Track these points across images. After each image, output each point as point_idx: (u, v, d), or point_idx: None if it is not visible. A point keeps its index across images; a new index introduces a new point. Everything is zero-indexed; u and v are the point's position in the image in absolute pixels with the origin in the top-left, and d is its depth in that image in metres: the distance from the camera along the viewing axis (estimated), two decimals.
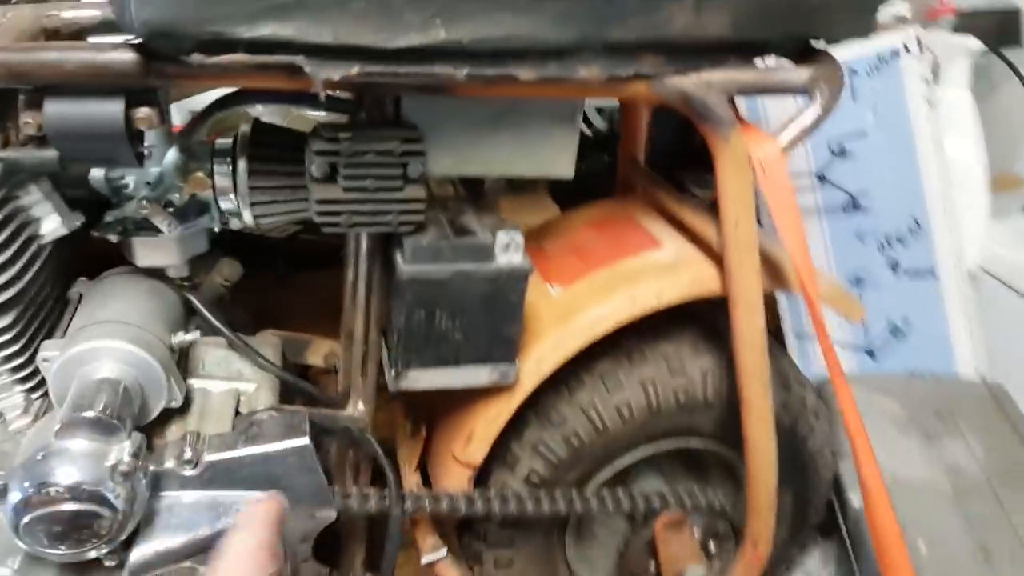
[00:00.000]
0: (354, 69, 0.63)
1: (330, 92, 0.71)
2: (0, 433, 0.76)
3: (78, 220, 0.81)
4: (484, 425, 0.94)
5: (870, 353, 1.37)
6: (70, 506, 0.67)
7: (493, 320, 0.84)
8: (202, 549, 0.78)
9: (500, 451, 1.00)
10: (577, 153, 0.85)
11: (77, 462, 0.68)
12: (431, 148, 0.79)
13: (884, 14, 1.19)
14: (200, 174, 0.79)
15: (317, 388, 0.96)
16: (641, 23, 0.71)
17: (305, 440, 0.82)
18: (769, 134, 0.82)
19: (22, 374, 0.77)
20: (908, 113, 1.16)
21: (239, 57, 0.61)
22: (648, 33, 0.72)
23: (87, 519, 0.68)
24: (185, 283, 0.90)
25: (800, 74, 0.77)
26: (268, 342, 0.99)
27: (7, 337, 0.74)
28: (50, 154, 0.68)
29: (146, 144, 0.74)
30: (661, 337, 1.01)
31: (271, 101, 0.78)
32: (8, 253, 0.73)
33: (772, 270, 0.90)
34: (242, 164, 0.79)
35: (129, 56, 0.62)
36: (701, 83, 0.77)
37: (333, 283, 0.91)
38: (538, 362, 0.92)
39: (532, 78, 0.70)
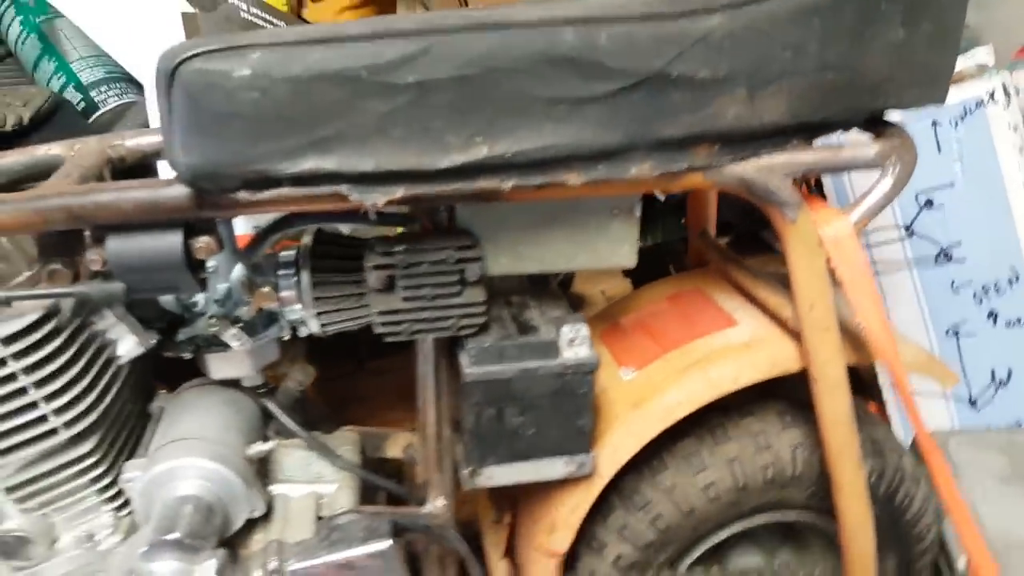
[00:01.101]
0: (399, 192, 0.64)
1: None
2: (90, 555, 0.79)
3: (153, 339, 0.84)
4: (566, 514, 0.92)
5: (972, 403, 1.28)
6: None
7: (563, 413, 0.83)
8: None
9: (586, 536, 0.97)
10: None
11: None
12: (488, 249, 0.79)
13: (966, 63, 1.13)
14: (266, 288, 0.82)
15: (397, 483, 0.96)
16: (691, 119, 0.69)
17: (388, 543, 0.82)
18: (839, 211, 0.78)
19: (109, 494, 0.80)
20: (998, 163, 1.09)
21: (284, 191, 0.62)
22: (699, 127, 0.70)
23: None
24: (260, 390, 0.93)
25: (869, 150, 0.73)
26: (347, 439, 1.01)
27: (92, 460, 0.78)
28: (117, 287, 0.71)
29: (209, 265, 0.77)
30: (745, 412, 0.97)
31: (326, 221, 0.79)
32: (88, 379, 0.76)
33: (854, 343, 0.85)
34: (305, 276, 0.81)
35: (182, 191, 0.64)
36: (761, 168, 0.74)
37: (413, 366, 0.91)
38: (614, 450, 0.89)
39: (581, 182, 0.69)
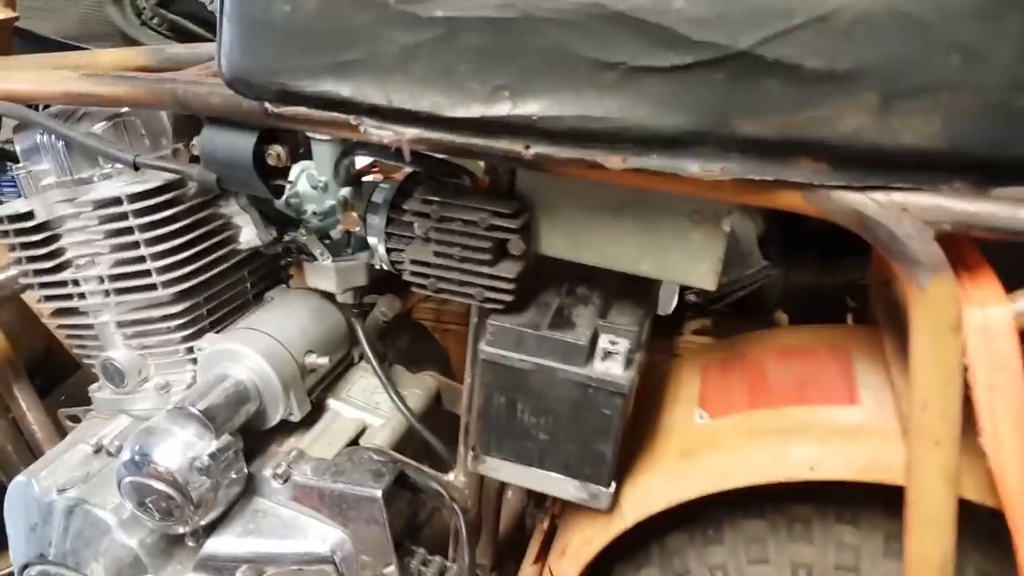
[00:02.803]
0: (410, 134, 0.59)
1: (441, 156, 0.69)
2: (163, 401, 0.90)
3: (271, 235, 0.91)
4: (578, 544, 0.82)
5: None
6: (152, 481, 0.77)
7: (583, 432, 0.72)
8: (268, 561, 0.83)
9: None
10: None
11: (167, 445, 0.77)
12: (543, 226, 0.71)
13: None
14: (354, 213, 0.83)
15: (444, 445, 0.94)
16: (787, 119, 0.54)
17: (376, 492, 0.81)
18: (996, 287, 0.56)
19: (193, 356, 0.90)
20: None
21: (303, 110, 0.62)
22: (799, 132, 0.54)
23: (165, 497, 0.77)
24: (354, 310, 0.96)
25: None
26: (423, 384, 1.01)
27: (183, 321, 0.88)
28: (210, 175, 0.78)
29: (291, 179, 0.80)
30: (846, 516, 0.76)
31: (375, 155, 0.77)
32: (194, 250, 0.85)
33: (976, 474, 0.61)
34: (384, 210, 0.81)
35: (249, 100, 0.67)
36: (889, 206, 0.56)
37: None
38: (645, 495, 0.76)
39: (624, 168, 0.58)
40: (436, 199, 0.68)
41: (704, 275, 0.68)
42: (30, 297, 1.11)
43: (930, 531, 0.60)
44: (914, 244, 0.56)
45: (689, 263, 0.68)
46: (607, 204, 0.68)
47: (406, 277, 0.74)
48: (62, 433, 1.07)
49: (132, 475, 0.77)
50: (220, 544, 0.83)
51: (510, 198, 0.69)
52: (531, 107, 0.57)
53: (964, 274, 0.58)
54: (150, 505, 0.79)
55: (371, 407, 0.95)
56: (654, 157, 0.57)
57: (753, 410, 0.77)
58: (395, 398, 0.93)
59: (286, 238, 0.91)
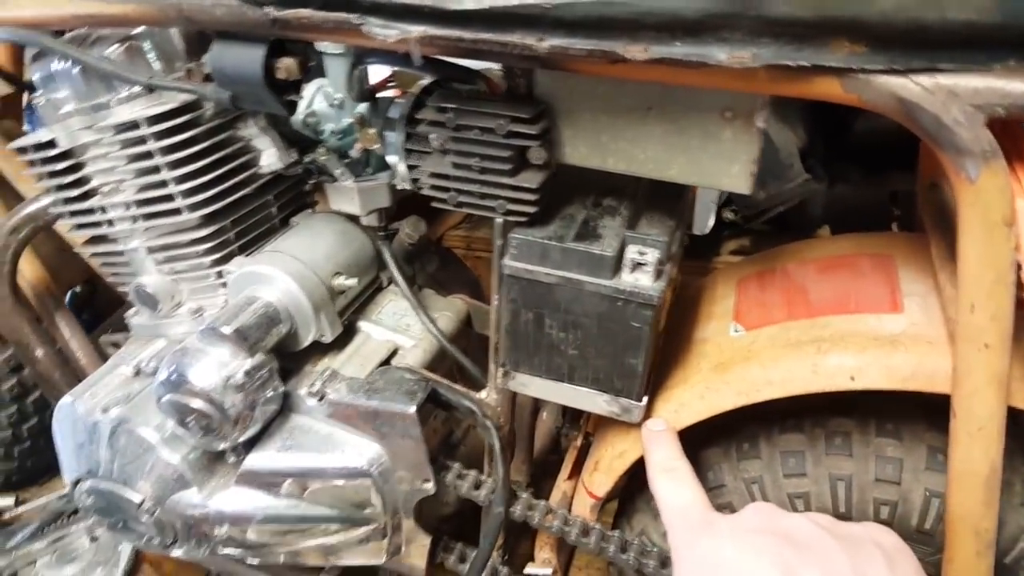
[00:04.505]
0: (415, 32, 0.56)
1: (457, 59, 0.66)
2: (196, 325, 0.91)
3: (292, 157, 0.90)
4: (610, 458, 0.81)
5: None
6: (190, 400, 0.78)
7: (612, 345, 0.71)
8: (308, 475, 0.85)
9: (647, 493, 0.86)
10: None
11: (201, 365, 0.78)
12: (565, 133, 0.67)
13: None
14: (372, 130, 0.81)
15: (475, 365, 0.93)
16: None
17: (411, 408, 0.81)
18: None
19: (223, 280, 0.90)
20: None
21: (304, 12, 0.59)
22: (833, 10, 0.49)
23: (202, 414, 0.78)
24: (380, 233, 0.95)
25: None
26: (454, 307, 1.00)
27: (210, 245, 0.87)
28: (224, 93, 0.76)
29: (304, 95, 0.78)
30: (888, 428, 0.74)
31: (386, 62, 0.74)
32: (217, 173, 0.84)
33: None
34: (402, 126, 0.78)
35: (253, 8, 0.64)
36: (935, 90, 0.51)
37: None
38: (677, 408, 0.75)
39: (647, 58, 0.54)
40: (451, 106, 0.65)
41: (738, 177, 0.64)
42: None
43: (976, 441, 0.58)
44: (963, 131, 0.51)
45: (721, 165, 0.64)
46: (632, 106, 0.64)
47: (426, 192, 0.72)
48: (105, 360, 1.10)
49: (170, 394, 0.79)
50: (261, 459, 0.84)
51: (528, 103, 0.65)
52: None
53: (1018, 163, 0.53)
54: (190, 423, 0.80)
55: (401, 329, 0.94)
56: (678, 45, 0.53)
57: (791, 321, 0.74)
58: (425, 319, 0.92)
59: (306, 159, 0.89)
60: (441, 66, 0.67)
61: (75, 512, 1.30)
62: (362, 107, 0.83)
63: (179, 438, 0.84)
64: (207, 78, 0.81)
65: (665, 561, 0.80)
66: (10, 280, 1.02)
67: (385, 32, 0.57)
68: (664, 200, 0.77)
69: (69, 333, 1.08)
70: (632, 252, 0.67)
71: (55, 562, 1.17)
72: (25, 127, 1.31)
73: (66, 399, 0.90)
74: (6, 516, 1.37)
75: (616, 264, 0.67)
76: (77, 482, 0.89)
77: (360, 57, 0.75)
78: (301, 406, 0.86)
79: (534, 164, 0.67)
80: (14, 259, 1.00)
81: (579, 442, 0.96)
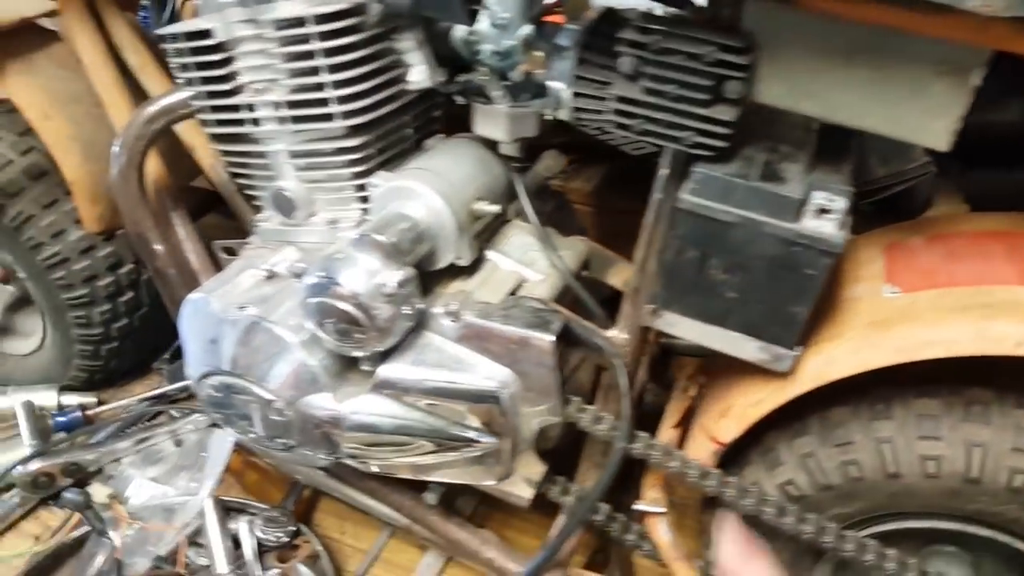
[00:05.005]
0: None
1: None
2: (330, 236, 0.91)
3: (442, 76, 0.90)
4: (744, 406, 0.82)
5: None
6: (339, 303, 0.78)
7: (778, 291, 0.71)
8: (436, 393, 0.86)
9: (763, 445, 0.87)
10: None
11: (355, 271, 0.78)
12: (764, 69, 0.67)
13: None
14: (539, 53, 0.80)
15: (598, 304, 0.93)
16: None
17: (550, 337, 0.82)
18: None
19: (362, 193, 0.90)
20: None
21: None
22: None
23: (348, 320, 0.79)
24: (516, 164, 0.94)
25: None
26: (575, 247, 1.00)
27: (356, 156, 0.87)
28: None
29: (489, 7, 0.77)
30: None
31: None
32: (373, 83, 0.84)
33: None
34: (574, 52, 0.77)
35: None
36: None
37: None
38: (828, 361, 0.76)
39: None
40: (659, 27, 0.65)
41: (939, 135, 0.64)
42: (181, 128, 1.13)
43: None
44: None
45: (923, 120, 0.64)
46: (840, 48, 0.64)
47: (589, 120, 0.71)
48: (217, 264, 1.11)
49: (319, 296, 0.79)
50: (394, 370, 0.85)
51: (737, 33, 0.65)
52: None
53: None
54: (331, 327, 0.81)
55: (528, 262, 0.94)
56: None
57: (952, 287, 0.74)
58: (553, 256, 0.92)
59: (462, 78, 0.89)
60: None
61: (156, 416, 1.32)
62: (528, 28, 0.83)
63: (317, 341, 0.85)
64: None
65: (783, 509, 0.81)
66: (139, 171, 1.02)
67: None
68: (832, 154, 0.76)
69: (184, 233, 1.09)
70: (819, 197, 0.67)
71: (140, 462, 1.19)
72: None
73: (198, 295, 0.90)
74: (89, 413, 1.39)
75: (799, 208, 0.67)
76: (206, 376, 0.90)
77: None
78: (435, 325, 0.87)
79: (729, 98, 0.67)
80: (145, 150, 1.01)
81: (692, 392, 0.97)
